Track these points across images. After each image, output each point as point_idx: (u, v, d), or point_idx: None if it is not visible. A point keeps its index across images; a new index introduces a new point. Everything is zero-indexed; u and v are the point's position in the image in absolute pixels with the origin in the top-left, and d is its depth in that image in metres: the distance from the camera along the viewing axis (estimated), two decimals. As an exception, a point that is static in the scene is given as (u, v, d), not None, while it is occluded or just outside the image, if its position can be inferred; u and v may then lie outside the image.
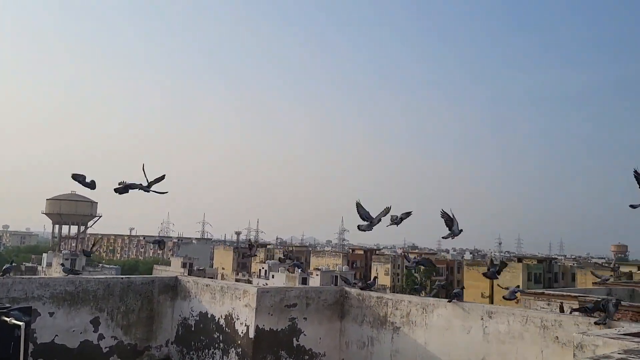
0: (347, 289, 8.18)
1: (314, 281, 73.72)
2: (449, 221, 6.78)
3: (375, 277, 10.78)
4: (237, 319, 7.65)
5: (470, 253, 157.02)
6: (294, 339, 7.71)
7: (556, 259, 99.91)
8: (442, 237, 7.17)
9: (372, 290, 8.01)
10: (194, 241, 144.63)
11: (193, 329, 8.37)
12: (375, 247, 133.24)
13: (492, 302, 79.85)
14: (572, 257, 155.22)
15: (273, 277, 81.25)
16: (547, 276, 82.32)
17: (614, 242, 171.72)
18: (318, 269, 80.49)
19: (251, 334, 7.38)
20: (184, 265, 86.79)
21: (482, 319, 6.27)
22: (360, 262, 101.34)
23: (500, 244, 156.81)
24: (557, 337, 5.56)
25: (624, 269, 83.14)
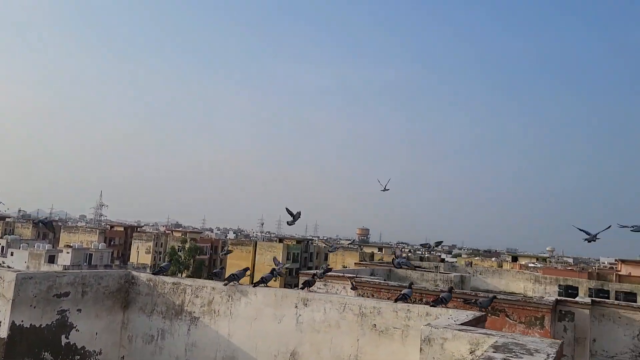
0: (134, 273, 6.91)
1: (64, 259, 66.31)
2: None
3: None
4: (-17, 314, 5.80)
5: (234, 233, 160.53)
6: (63, 337, 6.18)
7: (312, 240, 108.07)
8: (288, 223, 7.08)
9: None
10: None
11: None
12: (136, 224, 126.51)
13: (253, 280, 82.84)
14: (324, 238, 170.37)
15: (12, 254, 70.71)
16: (304, 256, 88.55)
17: (359, 226, 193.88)
18: (70, 246, 72.71)
19: (3, 333, 5.64)
20: None
21: (296, 306, 5.77)
22: (119, 240, 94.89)
23: (262, 224, 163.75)
24: (374, 324, 5.35)
25: (367, 250, 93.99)
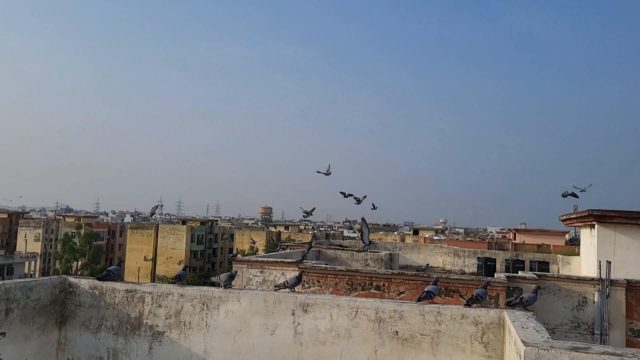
0: (71, 279, 5.45)
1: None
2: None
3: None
4: None
5: (132, 216, 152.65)
6: (-19, 371, 4.68)
7: (217, 220, 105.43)
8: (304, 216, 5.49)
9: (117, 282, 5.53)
10: None
11: None
12: (20, 211, 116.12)
13: (155, 265, 79.18)
14: (227, 218, 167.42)
15: None
16: (209, 237, 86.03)
17: (262, 205, 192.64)
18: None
19: None
20: None
21: (293, 314, 4.73)
22: (3, 227, 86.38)
23: (161, 206, 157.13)
24: (396, 332, 4.47)
25: (274, 228, 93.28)
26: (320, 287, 12.08)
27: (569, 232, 63.96)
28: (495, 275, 12.67)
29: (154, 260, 79.69)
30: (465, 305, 4.62)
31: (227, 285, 5.37)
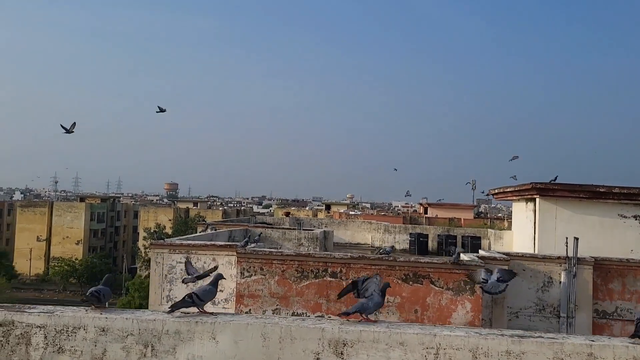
0: None
1: None
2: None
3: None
4: None
5: (22, 193, 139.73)
6: None
7: (119, 197, 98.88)
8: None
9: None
10: None
11: None
12: None
13: (49, 245, 72.41)
14: (130, 194, 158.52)
15: None
16: (110, 215, 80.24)
17: (167, 181, 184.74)
18: None
19: None
20: None
21: None
22: None
23: (56, 182, 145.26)
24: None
25: (181, 205, 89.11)
26: (264, 275, 10.02)
27: (476, 206, 66.36)
28: (460, 254, 11.29)
29: (48, 240, 72.99)
30: (632, 335, 2.82)
31: (191, 280, 3.23)
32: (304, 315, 9.97)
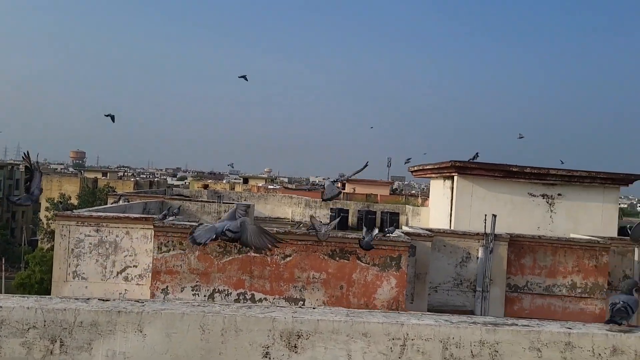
0: None
1: None
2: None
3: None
4: None
5: None
6: None
7: (17, 164, 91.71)
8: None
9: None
10: None
11: None
12: None
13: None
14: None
15: None
16: (8, 183, 74.25)
17: (73, 149, 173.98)
18: None
19: None
20: None
21: (267, 356, 2.26)
22: None
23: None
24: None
25: (89, 175, 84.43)
26: (184, 250, 9.43)
27: (391, 182, 68.10)
28: (380, 229, 11.26)
29: None
30: (607, 321, 2.62)
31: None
32: (226, 292, 9.52)
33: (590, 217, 15.82)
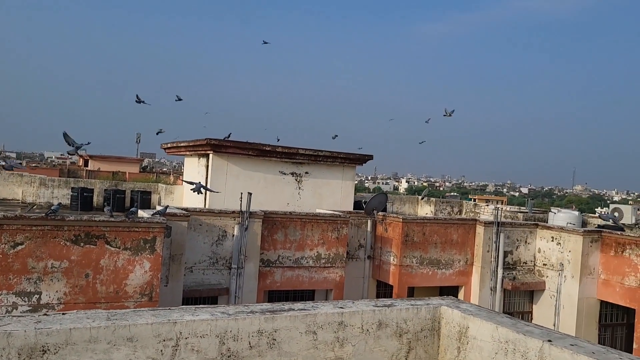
0: None
1: None
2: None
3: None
4: None
5: None
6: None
7: None
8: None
9: None
10: None
11: None
12: None
13: None
14: None
15: None
16: None
17: None
18: None
19: None
20: None
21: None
22: None
23: None
24: None
25: None
26: None
27: (141, 160, 64.83)
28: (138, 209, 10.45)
29: None
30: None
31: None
32: None
33: (332, 193, 17.43)
